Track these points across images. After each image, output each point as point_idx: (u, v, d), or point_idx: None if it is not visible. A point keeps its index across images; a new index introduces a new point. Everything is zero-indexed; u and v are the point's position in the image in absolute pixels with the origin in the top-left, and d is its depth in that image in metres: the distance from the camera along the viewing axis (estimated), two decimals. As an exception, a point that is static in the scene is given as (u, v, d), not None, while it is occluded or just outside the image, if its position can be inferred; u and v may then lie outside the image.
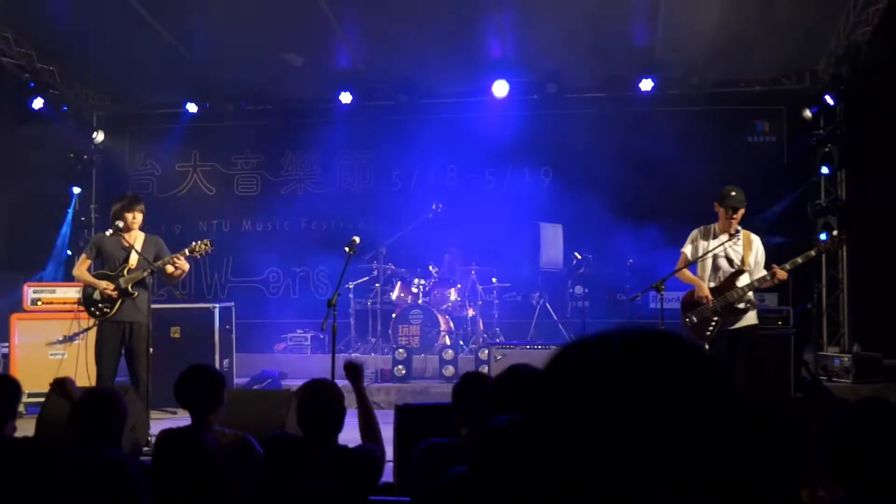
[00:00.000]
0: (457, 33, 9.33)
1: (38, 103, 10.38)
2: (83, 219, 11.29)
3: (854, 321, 9.75)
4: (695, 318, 6.18)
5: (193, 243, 6.62)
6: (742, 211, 6.13)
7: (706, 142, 10.26)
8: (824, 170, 9.60)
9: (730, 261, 6.18)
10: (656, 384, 0.88)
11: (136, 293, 6.56)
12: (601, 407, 0.88)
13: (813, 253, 6.17)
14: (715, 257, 6.21)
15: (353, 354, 9.49)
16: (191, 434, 3.63)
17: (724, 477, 0.88)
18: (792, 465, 1.69)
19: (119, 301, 6.54)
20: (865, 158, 9.52)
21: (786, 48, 9.59)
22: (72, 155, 11.21)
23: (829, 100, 9.31)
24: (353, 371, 3.97)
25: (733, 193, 6.11)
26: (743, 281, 6.12)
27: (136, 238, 6.67)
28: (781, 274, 5.93)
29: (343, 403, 3.56)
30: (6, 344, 8.68)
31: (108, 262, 6.68)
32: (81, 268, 6.77)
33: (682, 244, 6.46)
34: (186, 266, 6.64)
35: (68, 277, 9.63)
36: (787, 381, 7.65)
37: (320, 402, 3.48)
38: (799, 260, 6.03)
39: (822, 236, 9.30)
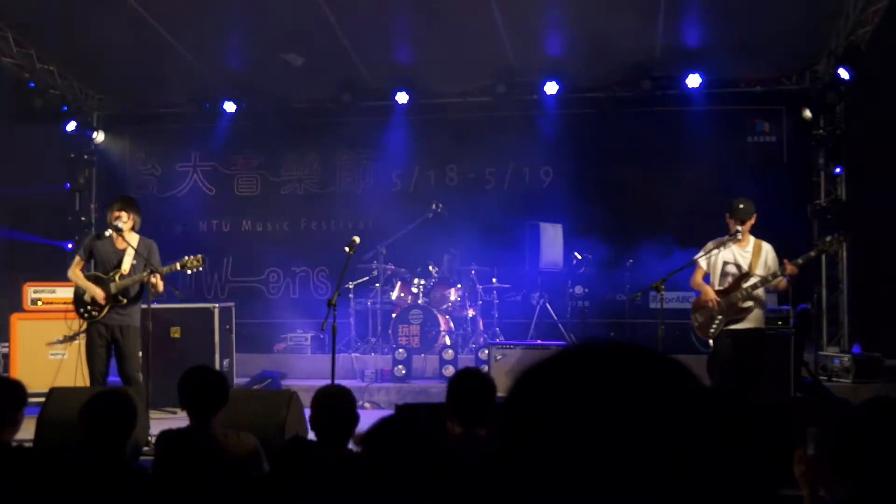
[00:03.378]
0: (457, 33, 9.32)
1: (37, 103, 10.38)
2: (83, 219, 11.29)
3: (854, 321, 9.75)
4: (700, 318, 6.52)
5: (185, 258, 6.55)
6: (751, 221, 6.39)
7: (706, 142, 10.27)
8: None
9: (738, 267, 6.44)
10: (628, 397, 0.88)
11: (125, 300, 6.48)
12: (575, 419, 0.88)
13: (812, 254, 6.44)
14: (725, 264, 6.48)
15: (353, 355, 9.50)
16: (191, 435, 3.63)
17: (704, 483, 0.87)
18: (774, 464, 1.69)
19: (108, 305, 6.47)
20: (865, 158, 9.53)
21: (786, 48, 9.59)
22: (72, 155, 11.22)
23: (829, 99, 9.31)
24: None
25: (741, 206, 6.39)
26: (748, 283, 6.36)
27: (131, 241, 6.52)
28: (791, 267, 6.16)
29: (355, 408, 3.56)
30: (6, 344, 8.68)
31: (100, 266, 6.58)
32: (75, 269, 6.65)
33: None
34: (161, 288, 6.47)
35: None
36: (787, 381, 7.65)
37: (334, 407, 3.49)
38: (812, 254, 6.39)
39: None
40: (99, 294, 6.43)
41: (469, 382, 3.53)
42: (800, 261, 6.23)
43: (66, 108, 10.91)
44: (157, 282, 6.37)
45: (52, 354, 8.28)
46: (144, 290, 6.62)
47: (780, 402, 6.59)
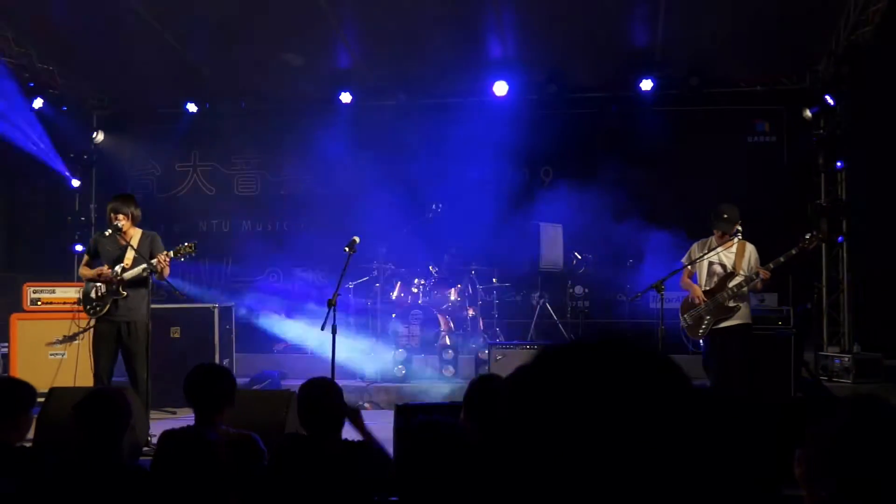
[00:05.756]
0: (457, 33, 9.32)
1: (38, 103, 10.38)
2: (83, 218, 11.28)
3: (854, 321, 9.75)
4: (689, 320, 6.67)
5: (178, 246, 6.60)
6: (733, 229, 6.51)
7: (706, 142, 10.27)
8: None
9: (723, 267, 6.61)
10: (621, 394, 0.89)
11: (127, 293, 6.52)
12: (569, 421, 0.88)
13: (794, 251, 6.40)
14: (710, 264, 6.65)
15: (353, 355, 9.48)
16: (195, 433, 3.63)
17: (700, 480, 0.88)
18: (774, 461, 1.69)
19: (111, 299, 6.53)
20: (865, 158, 9.52)
21: (786, 48, 9.59)
22: (72, 155, 11.21)
23: (829, 100, 9.30)
24: (352, 415, 3.75)
25: (725, 216, 6.49)
26: (734, 282, 6.52)
27: (133, 236, 6.67)
28: (764, 273, 6.33)
29: (342, 399, 3.57)
30: (6, 344, 8.68)
31: (105, 261, 6.69)
32: (83, 267, 6.85)
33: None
34: (168, 264, 6.55)
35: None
36: (787, 381, 7.65)
37: (319, 399, 3.49)
38: (781, 259, 6.37)
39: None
40: (107, 272, 6.53)
41: (487, 386, 3.50)
42: (782, 259, 6.33)
43: (66, 108, 10.90)
44: (165, 267, 6.44)
45: (52, 354, 8.28)
46: (152, 283, 6.69)
47: (781, 401, 6.60)
